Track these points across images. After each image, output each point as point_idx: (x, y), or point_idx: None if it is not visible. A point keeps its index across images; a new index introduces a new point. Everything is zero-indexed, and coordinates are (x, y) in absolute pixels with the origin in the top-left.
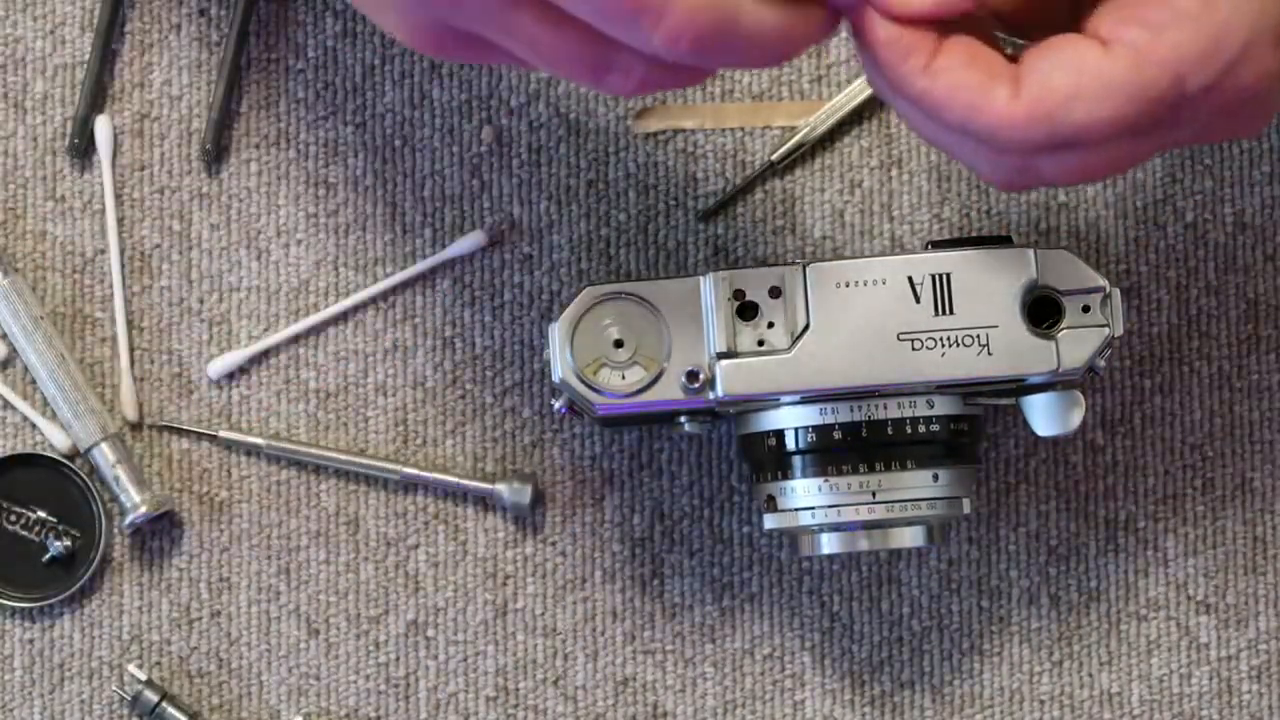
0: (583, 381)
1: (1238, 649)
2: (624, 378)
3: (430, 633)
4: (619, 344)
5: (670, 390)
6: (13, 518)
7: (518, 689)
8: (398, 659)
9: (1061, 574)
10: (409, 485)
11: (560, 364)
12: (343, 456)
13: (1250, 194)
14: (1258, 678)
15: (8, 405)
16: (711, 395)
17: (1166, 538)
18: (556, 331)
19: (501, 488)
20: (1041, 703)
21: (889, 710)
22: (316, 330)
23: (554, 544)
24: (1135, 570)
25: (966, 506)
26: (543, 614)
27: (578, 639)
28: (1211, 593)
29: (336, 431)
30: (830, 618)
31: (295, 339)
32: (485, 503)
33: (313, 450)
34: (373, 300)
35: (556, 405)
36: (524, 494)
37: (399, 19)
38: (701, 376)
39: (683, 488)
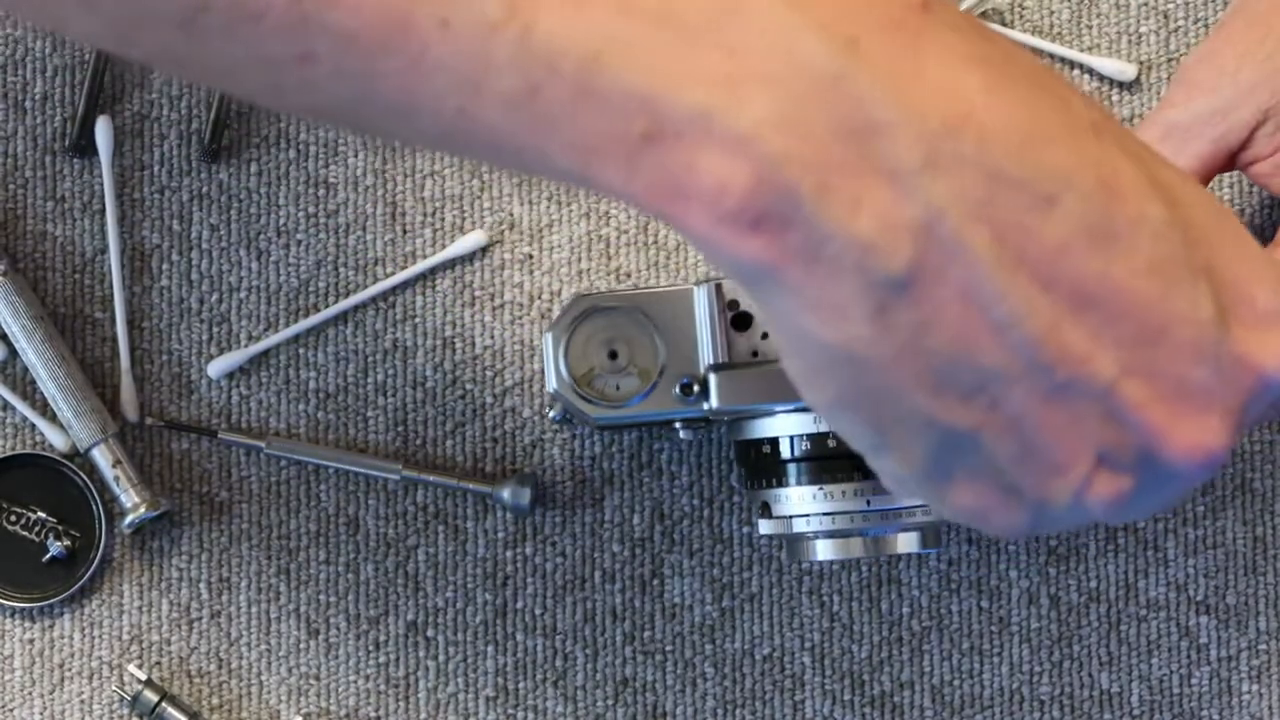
0: (577, 392)
1: (1238, 649)
2: (618, 388)
3: (430, 633)
4: (613, 354)
5: (664, 400)
6: (13, 518)
7: (518, 689)
8: (398, 659)
9: (1061, 574)
10: (409, 485)
11: (554, 374)
12: (343, 456)
13: (1250, 194)
14: (1258, 678)
15: (8, 405)
16: (705, 406)
17: (1166, 538)
18: (550, 341)
19: (501, 488)
20: (1041, 703)
21: (889, 710)
22: (316, 330)
23: (554, 544)
24: (1135, 570)
25: None
26: (543, 614)
27: (578, 639)
28: (1211, 593)
29: (336, 431)
30: (830, 618)
31: (295, 339)
32: (485, 503)
33: (313, 450)
34: (373, 300)
35: (551, 414)
36: (524, 494)
37: None
38: (695, 387)
39: (682, 488)
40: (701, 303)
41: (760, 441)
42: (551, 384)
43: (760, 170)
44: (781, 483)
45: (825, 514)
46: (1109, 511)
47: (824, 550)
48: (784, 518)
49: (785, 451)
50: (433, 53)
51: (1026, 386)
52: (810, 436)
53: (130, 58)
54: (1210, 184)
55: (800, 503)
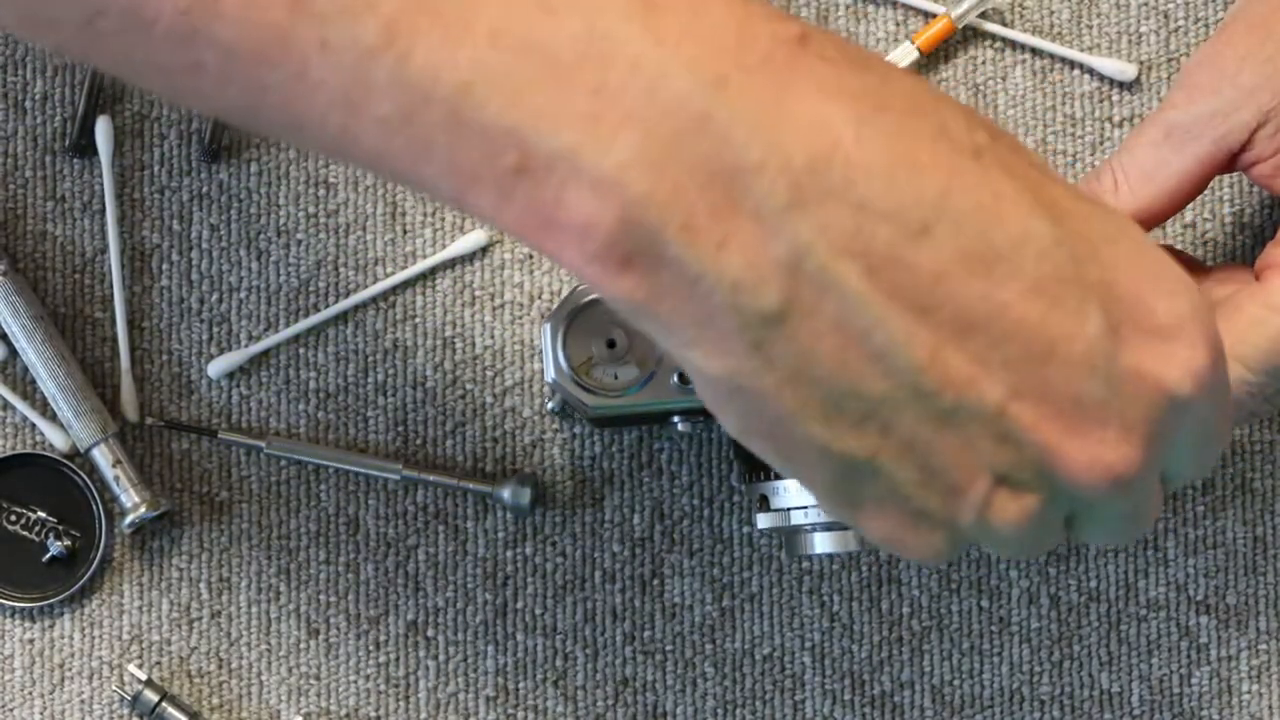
0: (576, 381)
1: (1238, 649)
2: (616, 377)
3: (430, 633)
4: (611, 344)
5: (662, 390)
6: (13, 518)
7: (518, 689)
8: (398, 659)
9: (1061, 574)
10: (409, 485)
11: (552, 364)
12: (343, 456)
13: (1250, 194)
14: (1258, 678)
15: (8, 405)
16: None
17: (1166, 538)
18: (548, 331)
19: (501, 488)
20: (1041, 703)
21: (889, 710)
22: (316, 330)
23: (554, 544)
24: (1135, 570)
25: None
26: (543, 614)
27: (578, 639)
28: (1211, 593)
29: (336, 431)
30: (830, 618)
31: (295, 339)
32: (485, 503)
33: (313, 450)
34: (373, 300)
35: (550, 405)
36: (524, 494)
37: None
38: None
39: (683, 488)
40: None
41: None
42: (550, 374)
43: (624, 211)
44: (779, 475)
45: None
46: (1023, 531)
47: (822, 543)
48: (782, 510)
49: None
50: (313, 72)
51: (914, 413)
52: None
53: (45, 48)
54: (1209, 185)
55: (799, 494)
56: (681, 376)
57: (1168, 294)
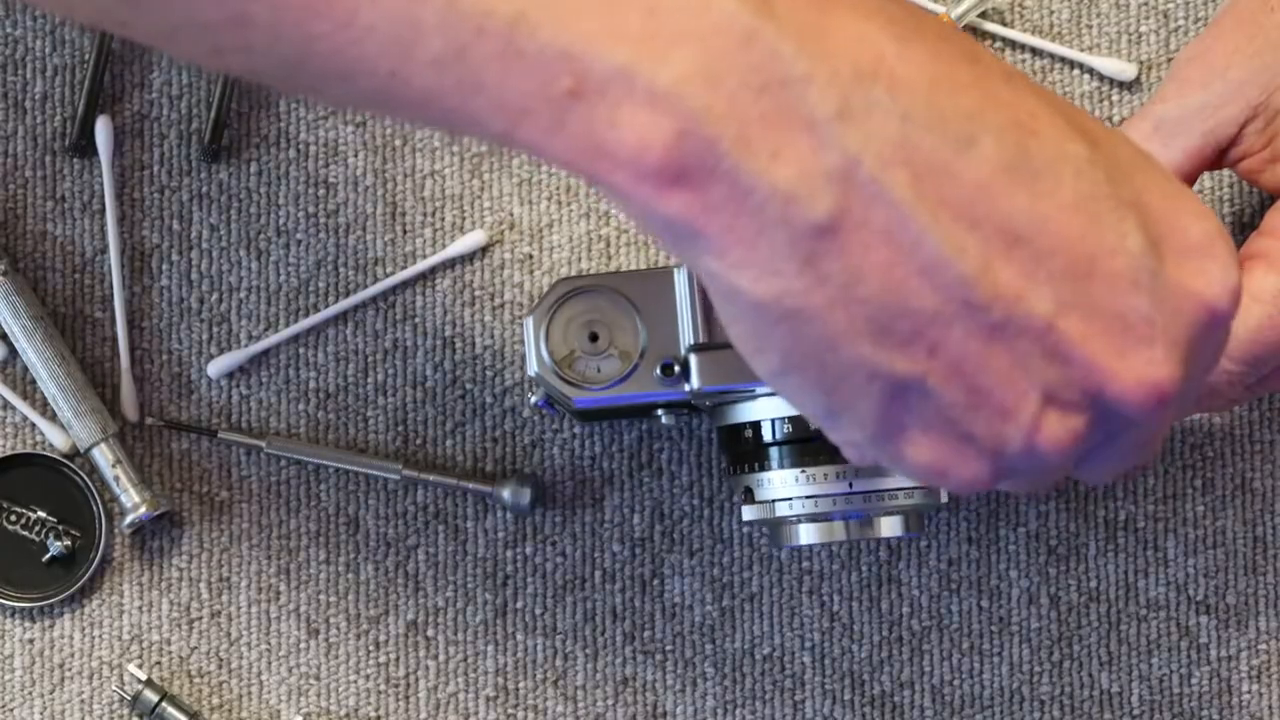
0: (558, 375)
1: (1238, 649)
2: (599, 370)
3: (430, 633)
4: (594, 337)
5: (646, 382)
6: (13, 518)
7: (518, 689)
8: (398, 659)
9: (1061, 574)
10: (409, 485)
11: (535, 357)
12: (343, 456)
13: (1250, 194)
14: (1258, 678)
15: (8, 405)
16: (687, 387)
17: (1166, 538)
18: (530, 325)
19: (501, 488)
20: (1041, 703)
21: (889, 710)
22: (316, 330)
23: (554, 544)
24: (1135, 570)
25: (944, 495)
26: (543, 614)
27: (578, 639)
28: (1211, 593)
29: (336, 431)
30: (830, 618)
31: (295, 339)
32: (485, 503)
33: (313, 450)
34: (373, 300)
35: (533, 400)
36: (524, 494)
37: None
38: (676, 368)
39: (683, 488)
40: (682, 283)
41: (742, 426)
42: (532, 368)
43: (681, 125)
44: (764, 467)
45: (807, 497)
46: (1067, 456)
47: (806, 534)
48: (767, 502)
49: (767, 435)
50: (363, 17)
51: (964, 328)
52: (792, 419)
53: (79, 20)
54: (1199, 179)
55: (782, 486)
56: (664, 369)
57: (1196, 216)
